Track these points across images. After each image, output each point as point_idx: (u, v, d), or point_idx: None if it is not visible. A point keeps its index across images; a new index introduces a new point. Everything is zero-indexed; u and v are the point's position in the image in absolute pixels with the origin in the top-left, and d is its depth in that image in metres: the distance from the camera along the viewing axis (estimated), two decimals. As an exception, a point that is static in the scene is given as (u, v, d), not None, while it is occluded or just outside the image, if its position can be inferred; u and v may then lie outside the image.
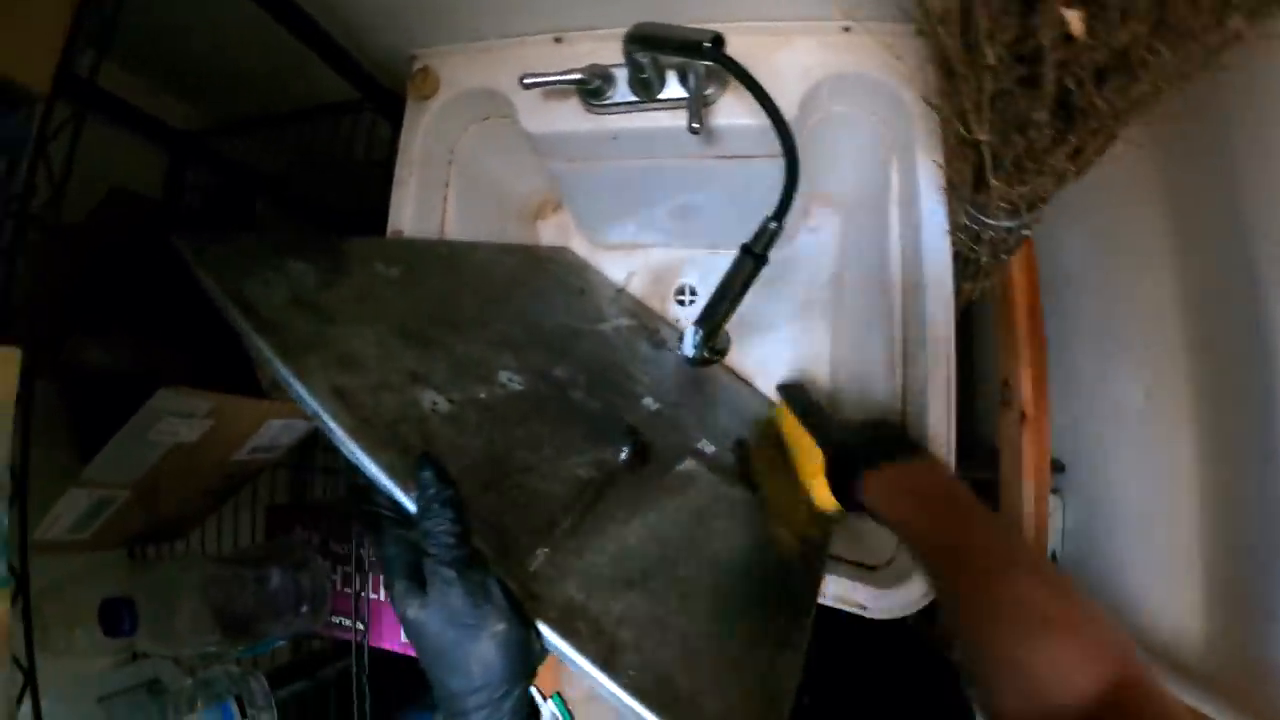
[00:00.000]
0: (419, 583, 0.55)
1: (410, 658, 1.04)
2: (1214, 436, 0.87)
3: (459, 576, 0.53)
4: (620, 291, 1.16)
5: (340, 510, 1.10)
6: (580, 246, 1.21)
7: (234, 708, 0.93)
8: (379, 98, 1.06)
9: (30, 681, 0.72)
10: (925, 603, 0.81)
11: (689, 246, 1.20)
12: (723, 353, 0.98)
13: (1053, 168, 0.74)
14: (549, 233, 1.23)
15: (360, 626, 0.99)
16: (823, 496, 0.79)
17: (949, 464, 0.76)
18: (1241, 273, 0.80)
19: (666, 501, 0.79)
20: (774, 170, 0.98)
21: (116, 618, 0.81)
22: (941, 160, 0.89)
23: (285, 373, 0.65)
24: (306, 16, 0.94)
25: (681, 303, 1.19)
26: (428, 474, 0.56)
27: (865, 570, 0.87)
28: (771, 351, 1.13)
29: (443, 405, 0.71)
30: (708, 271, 1.19)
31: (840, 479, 0.76)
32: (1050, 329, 1.03)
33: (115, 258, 0.96)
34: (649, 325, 1.11)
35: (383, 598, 1.03)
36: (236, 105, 1.22)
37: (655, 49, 0.83)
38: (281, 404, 0.94)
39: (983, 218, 0.83)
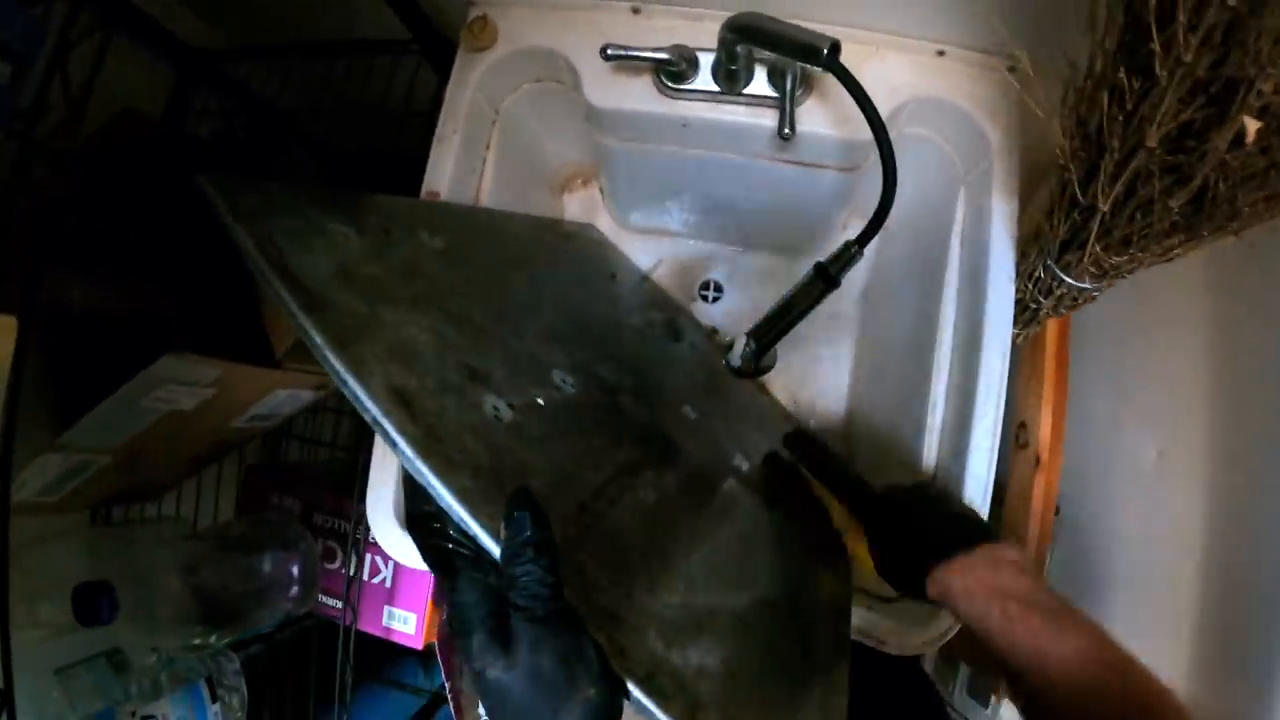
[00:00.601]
0: (501, 639, 0.46)
1: (379, 640, 0.97)
2: (1225, 505, 0.85)
3: (553, 635, 0.46)
4: (645, 279, 1.07)
5: (322, 479, 0.99)
6: (605, 225, 1.13)
7: (204, 690, 0.82)
8: (429, 40, 0.92)
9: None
10: (946, 640, 0.77)
11: (720, 241, 1.13)
12: (767, 369, 0.91)
13: (1164, 250, 0.69)
14: (574, 207, 1.13)
15: (344, 608, 0.89)
16: (868, 570, 0.74)
17: (1018, 548, 0.67)
18: (1274, 348, 0.78)
19: (717, 530, 0.73)
20: (839, 183, 0.92)
21: (93, 605, 0.69)
22: (1017, 203, 0.83)
23: (340, 368, 0.56)
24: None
25: (705, 298, 1.12)
26: (524, 515, 0.48)
27: (883, 602, 0.82)
28: (793, 359, 1.06)
29: (505, 412, 0.63)
30: (736, 269, 1.12)
31: (899, 563, 0.69)
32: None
33: (118, 187, 0.81)
34: (675, 319, 1.03)
35: (367, 577, 0.94)
36: (258, 29, 1.05)
37: (761, 44, 0.74)
38: (294, 373, 0.82)
39: (1064, 276, 0.78)
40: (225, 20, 1.05)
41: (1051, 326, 0.97)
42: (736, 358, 0.86)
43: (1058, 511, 1.07)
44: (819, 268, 0.79)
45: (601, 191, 1.11)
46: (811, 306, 0.82)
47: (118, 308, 0.82)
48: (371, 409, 0.56)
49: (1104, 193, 0.68)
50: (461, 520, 0.51)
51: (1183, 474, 0.90)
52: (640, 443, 0.73)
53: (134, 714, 0.80)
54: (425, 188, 0.84)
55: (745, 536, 0.75)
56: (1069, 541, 1.06)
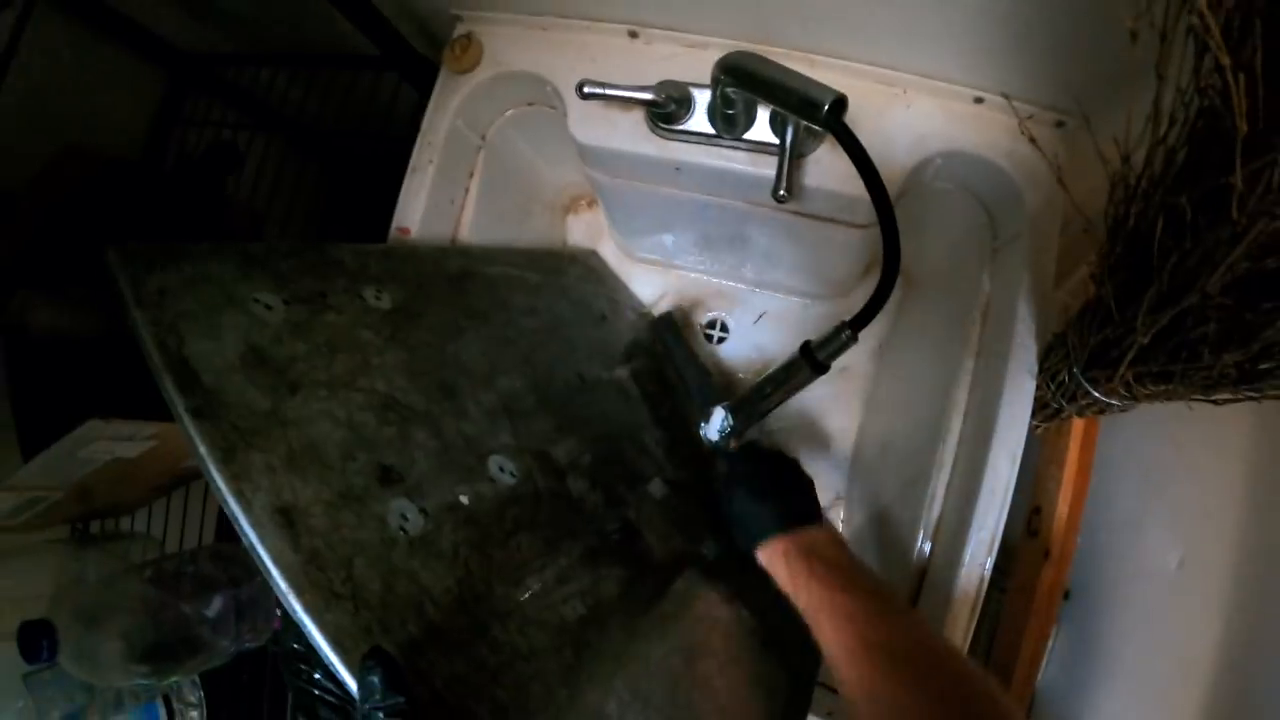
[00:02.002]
0: None
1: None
2: (1242, 628, 0.72)
3: None
4: (642, 315, 0.95)
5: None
6: (609, 252, 1.01)
7: (160, 708, 0.78)
8: (401, 59, 0.80)
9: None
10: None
11: (728, 278, 1.00)
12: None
13: (1207, 394, 0.55)
14: (579, 229, 1.01)
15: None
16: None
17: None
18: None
19: (655, 643, 0.63)
20: (848, 238, 0.78)
21: (34, 645, 0.66)
22: (1050, 284, 0.70)
23: (221, 485, 0.49)
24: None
25: (710, 338, 0.99)
26: (374, 679, 0.42)
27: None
28: (796, 415, 0.94)
29: (414, 521, 0.55)
30: (744, 308, 1.00)
31: (739, 521, 0.67)
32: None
33: (70, 217, 0.73)
34: (663, 369, 0.90)
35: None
36: (248, 38, 0.94)
37: (755, 90, 0.61)
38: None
39: (1091, 389, 0.64)
40: (218, 26, 0.95)
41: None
42: (714, 431, 0.75)
43: (1068, 595, 0.94)
44: (805, 350, 0.68)
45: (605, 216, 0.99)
46: (798, 389, 0.71)
47: (79, 325, 0.76)
48: (248, 533, 0.49)
49: (1144, 322, 0.54)
50: (333, 665, 0.45)
51: (1201, 589, 0.77)
52: (580, 541, 0.64)
53: (94, 723, 0.77)
54: (395, 224, 0.75)
55: (689, 649, 0.65)
56: (1078, 627, 0.93)
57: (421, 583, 0.52)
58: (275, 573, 0.48)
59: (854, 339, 0.66)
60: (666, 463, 0.77)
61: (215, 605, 0.76)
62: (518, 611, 0.56)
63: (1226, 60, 0.42)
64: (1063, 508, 0.83)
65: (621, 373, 0.82)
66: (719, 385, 0.79)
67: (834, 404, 0.93)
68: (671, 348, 0.85)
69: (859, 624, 0.54)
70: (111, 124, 0.88)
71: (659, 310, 0.97)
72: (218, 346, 0.54)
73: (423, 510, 0.55)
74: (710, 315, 1.00)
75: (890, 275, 0.61)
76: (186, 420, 0.50)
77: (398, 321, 0.64)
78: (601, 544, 0.65)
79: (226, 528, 0.97)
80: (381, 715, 0.41)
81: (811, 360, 0.67)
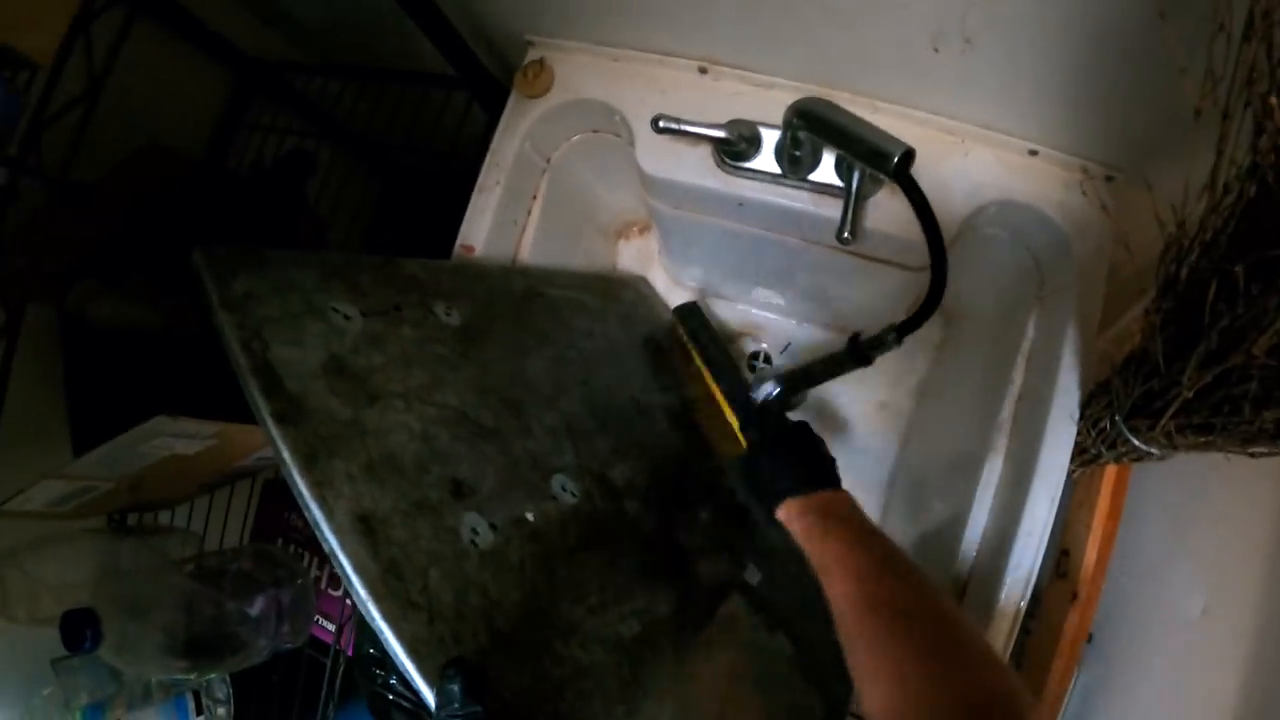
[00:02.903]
0: None
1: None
2: (1264, 678, 0.72)
3: None
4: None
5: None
6: (658, 278, 1.02)
7: (190, 702, 0.78)
8: (476, 79, 0.81)
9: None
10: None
11: (775, 312, 1.02)
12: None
13: (1244, 447, 0.57)
14: (629, 254, 1.02)
15: (335, 639, 0.84)
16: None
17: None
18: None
19: (703, 665, 0.65)
20: (897, 279, 0.80)
21: (78, 634, 0.66)
22: (1094, 335, 0.71)
23: (304, 491, 0.50)
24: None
25: (752, 368, 1.01)
26: (454, 688, 0.44)
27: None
28: (833, 443, 0.94)
29: (484, 535, 0.56)
30: (786, 341, 1.01)
31: (761, 485, 0.69)
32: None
33: (140, 215, 0.74)
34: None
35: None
36: (322, 47, 0.96)
37: (827, 137, 0.62)
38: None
39: (1132, 438, 0.65)
40: (290, 35, 0.96)
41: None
42: (761, 395, 0.81)
43: (1090, 638, 0.95)
44: (854, 341, 0.73)
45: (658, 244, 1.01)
46: (839, 373, 0.77)
47: (139, 318, 0.76)
48: (330, 539, 0.50)
49: (1190, 377, 0.55)
50: (408, 673, 0.46)
51: (1224, 637, 0.78)
52: (636, 560, 0.65)
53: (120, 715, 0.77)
54: (460, 241, 0.76)
55: (734, 671, 0.66)
56: (1099, 670, 0.94)
57: (491, 595, 0.53)
58: (355, 580, 0.49)
59: (898, 342, 0.69)
60: (714, 488, 0.78)
61: (258, 605, 0.76)
62: (579, 627, 0.57)
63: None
64: (1091, 552, 0.84)
65: (672, 398, 0.83)
66: (745, 375, 0.82)
67: (872, 438, 0.94)
68: (698, 335, 0.85)
69: (867, 580, 0.55)
70: (179, 122, 0.89)
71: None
72: (301, 354, 0.54)
73: (492, 525, 0.56)
74: (756, 348, 1.01)
75: (937, 293, 0.64)
76: (271, 424, 0.51)
77: (467, 338, 0.65)
78: (654, 565, 0.66)
79: (264, 527, 0.98)
80: None
81: (857, 352, 0.71)
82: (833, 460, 0.70)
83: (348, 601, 0.86)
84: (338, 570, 0.49)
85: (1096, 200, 0.72)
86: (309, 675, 0.88)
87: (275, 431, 0.50)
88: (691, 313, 0.86)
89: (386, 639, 0.46)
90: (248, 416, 0.69)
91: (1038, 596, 0.92)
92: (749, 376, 0.97)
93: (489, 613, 0.52)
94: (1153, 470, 0.88)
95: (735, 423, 0.75)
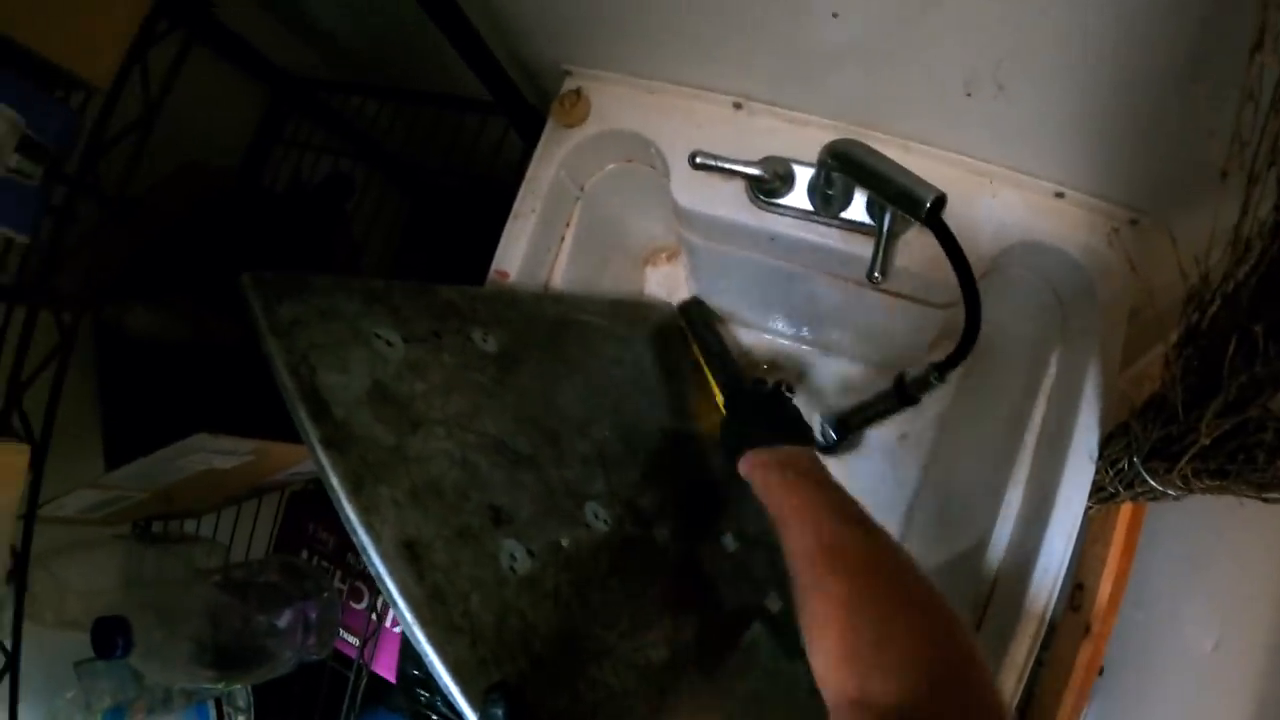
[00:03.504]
0: None
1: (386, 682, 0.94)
2: (1274, 713, 0.75)
3: None
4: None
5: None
6: None
7: (211, 709, 0.80)
8: (513, 106, 0.84)
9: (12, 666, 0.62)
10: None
11: (798, 341, 1.05)
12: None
13: (1259, 493, 0.61)
14: (655, 280, 1.06)
15: (359, 655, 0.86)
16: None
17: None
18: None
19: (727, 691, 0.67)
20: (922, 315, 0.83)
21: (109, 641, 0.68)
22: (1115, 375, 0.74)
23: (352, 516, 0.52)
24: (453, 3, 0.73)
25: None
26: (498, 712, 0.47)
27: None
28: (853, 471, 0.97)
29: (522, 561, 0.58)
30: (811, 373, 1.05)
31: (732, 443, 0.72)
32: (1136, 526, 0.89)
33: (178, 230, 0.76)
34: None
35: (389, 624, 0.90)
36: (361, 68, 0.98)
37: (861, 179, 0.64)
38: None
39: (1149, 479, 0.68)
40: (328, 54, 0.98)
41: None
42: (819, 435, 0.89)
43: (1101, 671, 0.97)
44: (900, 382, 0.76)
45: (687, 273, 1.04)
46: (886, 415, 0.81)
47: (175, 332, 0.79)
48: (377, 565, 0.52)
49: (1208, 425, 0.58)
50: (451, 695, 0.48)
51: (1235, 673, 0.81)
52: (664, 587, 0.67)
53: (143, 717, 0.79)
54: (495, 266, 0.79)
55: (757, 697, 0.68)
56: (1109, 703, 0.96)
57: (529, 620, 0.55)
58: (402, 605, 0.51)
59: (941, 380, 0.72)
60: (737, 516, 0.80)
61: (285, 617, 0.78)
62: (612, 652, 0.59)
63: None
64: (1106, 587, 0.87)
65: (696, 425, 0.85)
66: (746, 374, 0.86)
67: (893, 468, 0.97)
68: (700, 333, 0.89)
69: (822, 528, 0.56)
70: (215, 137, 0.92)
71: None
72: (346, 380, 0.56)
73: (530, 551, 0.58)
74: (779, 375, 1.04)
75: (972, 333, 0.67)
76: (319, 450, 0.53)
77: (504, 365, 0.67)
78: (681, 592, 0.68)
79: (288, 539, 1.00)
80: None
81: (905, 394, 0.74)
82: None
83: (372, 616, 0.89)
84: (384, 595, 0.51)
85: (1120, 243, 0.75)
86: (331, 687, 0.90)
87: (324, 457, 0.52)
88: (695, 306, 0.92)
89: (431, 662, 0.49)
90: (281, 432, 0.72)
91: (1051, 629, 0.94)
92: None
93: (527, 637, 0.54)
94: (1168, 508, 0.90)
95: (721, 399, 0.82)
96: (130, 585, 0.78)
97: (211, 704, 0.83)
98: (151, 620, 0.72)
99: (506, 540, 0.58)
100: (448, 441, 0.59)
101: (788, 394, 0.80)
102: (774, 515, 0.61)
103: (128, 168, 0.58)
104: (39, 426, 0.60)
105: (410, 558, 0.52)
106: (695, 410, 0.87)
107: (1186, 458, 0.63)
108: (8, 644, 0.63)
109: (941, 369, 0.71)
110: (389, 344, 0.61)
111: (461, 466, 0.59)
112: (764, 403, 0.75)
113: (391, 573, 0.51)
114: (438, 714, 0.52)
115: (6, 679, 0.63)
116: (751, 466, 0.67)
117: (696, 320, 0.91)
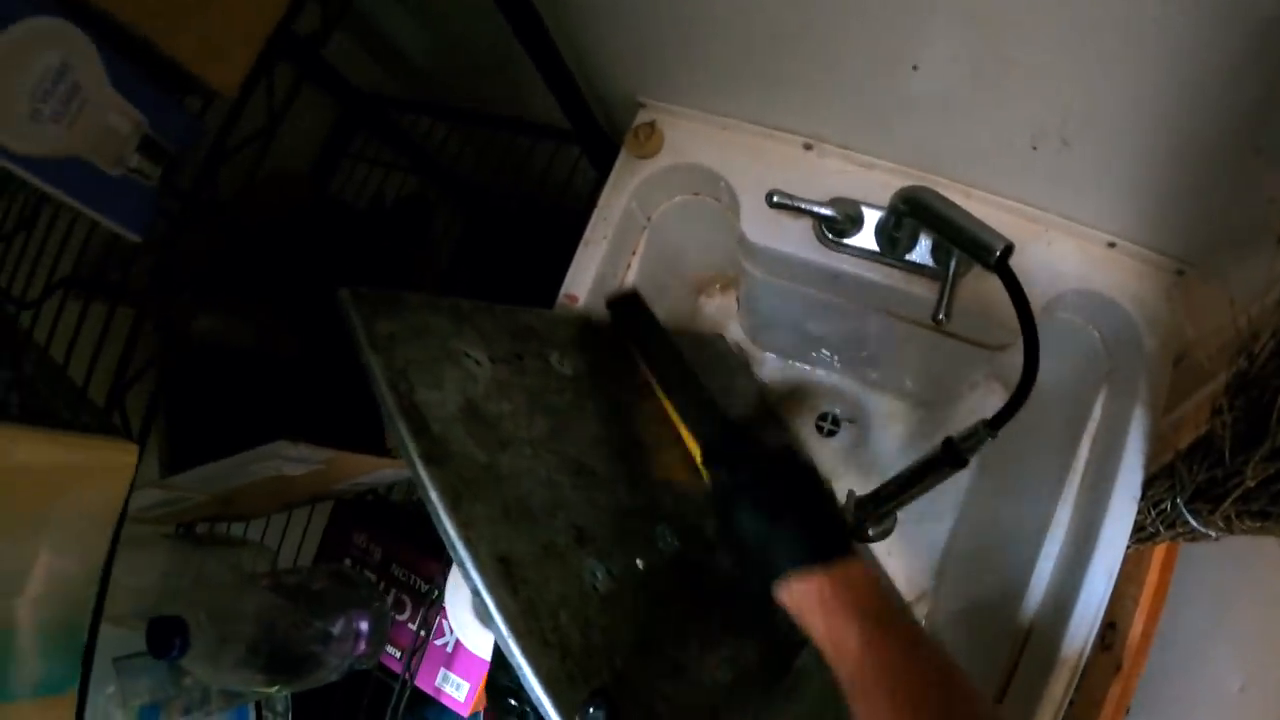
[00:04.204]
0: None
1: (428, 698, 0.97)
2: None
3: None
4: (763, 396, 1.03)
5: (404, 528, 0.99)
6: (735, 333, 1.10)
7: (251, 713, 0.83)
8: (590, 135, 0.88)
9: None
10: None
11: (846, 375, 1.09)
12: (882, 536, 0.86)
13: None
14: (709, 309, 1.11)
15: (404, 668, 0.89)
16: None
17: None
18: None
19: (780, 715, 0.70)
20: (973, 355, 0.86)
21: (166, 641, 0.70)
22: (1159, 419, 0.78)
23: (451, 531, 0.55)
24: (545, 32, 0.78)
25: (821, 429, 1.08)
26: (599, 714, 0.51)
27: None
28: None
29: (602, 580, 0.62)
30: (858, 408, 1.09)
31: (747, 557, 0.61)
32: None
33: (257, 238, 0.80)
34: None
35: (431, 637, 0.93)
36: (434, 89, 1.03)
37: (932, 226, 0.69)
38: (398, 460, 0.81)
39: (1192, 520, 0.72)
40: (398, 72, 1.03)
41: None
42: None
43: (1128, 711, 1.01)
44: (948, 445, 0.74)
45: (738, 301, 1.08)
46: (938, 481, 0.78)
47: (244, 344, 0.82)
48: (476, 579, 0.55)
49: (1254, 469, 0.63)
50: (541, 706, 0.51)
51: (1262, 714, 0.87)
52: (727, 610, 0.70)
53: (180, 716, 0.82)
54: (564, 290, 0.83)
55: (810, 717, 0.72)
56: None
57: (611, 637, 0.59)
58: (500, 619, 0.54)
59: (994, 435, 0.72)
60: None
61: (338, 625, 0.82)
62: (682, 670, 0.63)
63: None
64: (1138, 626, 0.91)
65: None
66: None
67: (930, 506, 1.01)
68: (639, 335, 0.76)
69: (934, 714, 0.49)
70: (284, 148, 0.95)
71: (777, 393, 1.07)
72: (441, 397, 0.60)
73: (609, 571, 0.62)
74: (826, 409, 1.08)
75: (1029, 379, 0.70)
76: (420, 465, 0.56)
77: (579, 388, 0.71)
78: (742, 615, 0.72)
79: (331, 547, 1.04)
80: None
81: (955, 455, 0.74)
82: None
83: (420, 633, 0.92)
84: (484, 609, 0.54)
85: (1167, 293, 0.79)
86: (375, 699, 0.93)
87: (424, 473, 0.55)
88: (628, 304, 0.76)
89: (525, 674, 0.52)
90: (348, 443, 0.75)
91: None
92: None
93: (609, 652, 0.58)
94: (1197, 550, 0.95)
95: (697, 452, 0.68)
96: (180, 584, 0.81)
97: (251, 708, 0.86)
98: (204, 620, 0.74)
99: (589, 559, 0.61)
100: (534, 461, 0.63)
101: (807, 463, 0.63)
102: (848, 677, 0.53)
103: (248, 178, 0.61)
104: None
105: (505, 573, 0.55)
106: (646, 452, 0.75)
107: (1230, 499, 0.68)
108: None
109: (994, 424, 0.71)
110: (478, 363, 0.64)
111: (547, 486, 0.62)
112: (785, 481, 0.61)
113: (490, 588, 0.54)
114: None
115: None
116: (801, 599, 0.56)
117: (642, 331, 0.75)
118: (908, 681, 0.50)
